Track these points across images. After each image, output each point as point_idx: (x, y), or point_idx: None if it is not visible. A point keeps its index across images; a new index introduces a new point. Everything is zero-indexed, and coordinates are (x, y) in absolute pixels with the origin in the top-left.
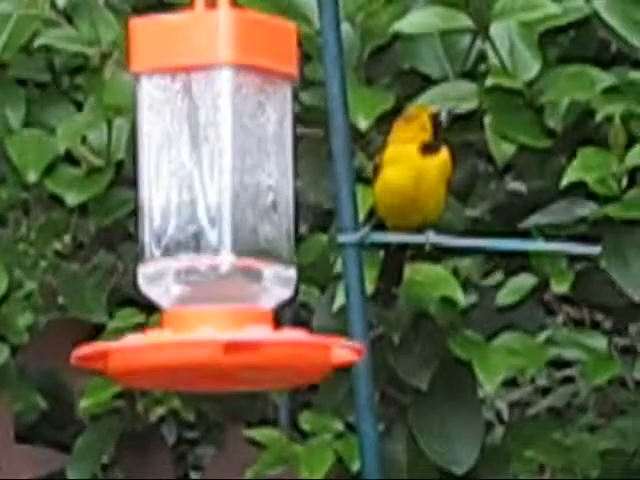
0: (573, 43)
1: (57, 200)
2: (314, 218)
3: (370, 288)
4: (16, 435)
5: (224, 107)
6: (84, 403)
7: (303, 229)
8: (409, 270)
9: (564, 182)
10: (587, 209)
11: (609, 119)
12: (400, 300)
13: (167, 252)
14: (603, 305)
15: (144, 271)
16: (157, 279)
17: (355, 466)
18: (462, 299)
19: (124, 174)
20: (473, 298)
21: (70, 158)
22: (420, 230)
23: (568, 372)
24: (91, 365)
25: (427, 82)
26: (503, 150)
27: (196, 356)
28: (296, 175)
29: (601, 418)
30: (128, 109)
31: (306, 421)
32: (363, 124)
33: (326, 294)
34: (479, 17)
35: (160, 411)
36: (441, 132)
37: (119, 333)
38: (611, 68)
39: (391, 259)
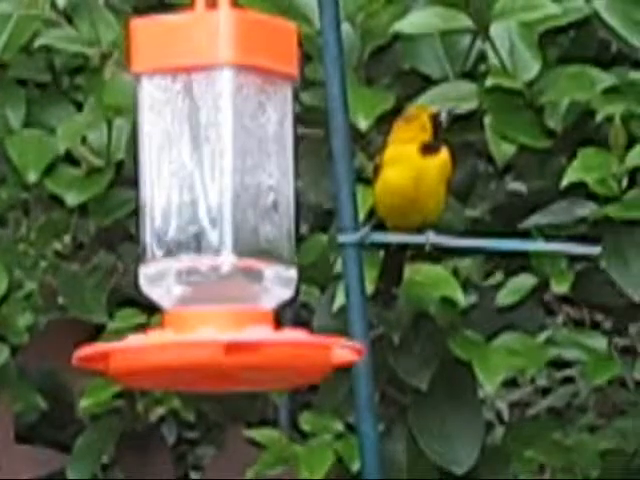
0: (573, 43)
1: (57, 200)
2: (314, 218)
3: (370, 288)
4: (16, 435)
5: (225, 107)
6: (84, 403)
7: (303, 229)
8: (409, 270)
9: (564, 182)
10: (587, 209)
11: (609, 119)
12: (400, 300)
13: (168, 252)
14: (603, 305)
15: (145, 271)
16: (158, 279)
17: (355, 466)
18: (462, 299)
19: (124, 174)
20: (473, 298)
21: (70, 158)
22: (420, 230)
23: (568, 372)
24: (92, 366)
25: (427, 82)
26: (503, 150)
27: (197, 356)
28: (296, 175)
29: (601, 418)
30: (128, 109)
31: (306, 421)
32: (363, 124)
33: (326, 294)
34: (479, 17)
35: (160, 411)
36: (441, 132)
37: (119, 333)
38: (611, 68)
39: (391, 259)
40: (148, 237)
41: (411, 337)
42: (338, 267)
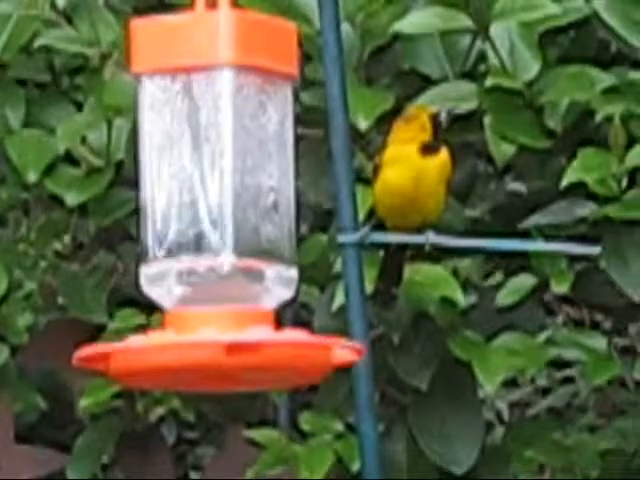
0: (573, 43)
1: (57, 200)
2: (314, 218)
3: (370, 288)
4: (16, 435)
5: (225, 108)
6: (84, 403)
7: (303, 229)
8: (409, 270)
9: (564, 182)
10: (587, 209)
11: (609, 119)
12: (400, 300)
13: (169, 253)
14: (603, 305)
15: (146, 272)
16: (159, 280)
17: (355, 466)
18: (462, 299)
19: (124, 174)
20: (473, 298)
21: (70, 158)
22: (420, 230)
23: (568, 372)
24: (93, 366)
25: (427, 82)
26: (503, 150)
27: (198, 357)
28: (296, 175)
29: (601, 418)
30: (128, 109)
31: (306, 421)
32: (363, 124)
33: (326, 294)
34: (479, 17)
35: (160, 411)
36: (441, 132)
37: (119, 333)
38: (611, 68)
39: (391, 259)
40: (149, 237)
41: (411, 337)
42: (338, 267)
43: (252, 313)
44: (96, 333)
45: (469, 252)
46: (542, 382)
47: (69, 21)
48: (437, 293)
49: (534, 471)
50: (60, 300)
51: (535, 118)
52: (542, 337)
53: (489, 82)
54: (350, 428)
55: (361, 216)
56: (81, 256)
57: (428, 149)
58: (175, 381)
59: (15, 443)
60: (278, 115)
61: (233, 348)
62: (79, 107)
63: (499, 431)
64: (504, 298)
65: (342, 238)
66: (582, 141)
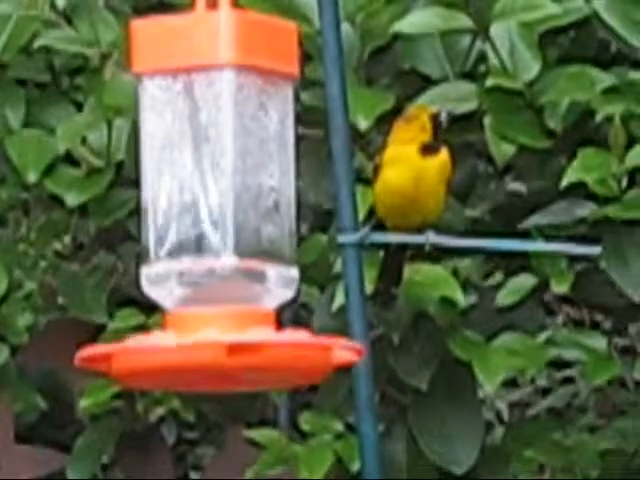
0: (573, 43)
1: (57, 200)
2: (314, 218)
3: (370, 288)
4: (16, 435)
5: (226, 108)
6: (84, 403)
7: (303, 229)
8: (409, 270)
9: (564, 182)
10: (587, 209)
11: (609, 119)
12: (400, 300)
13: (170, 254)
14: (603, 305)
15: (147, 273)
16: (160, 281)
17: (355, 466)
18: (462, 299)
19: (124, 175)
20: (473, 298)
21: (70, 159)
22: (420, 230)
23: (568, 372)
24: (94, 366)
25: (427, 82)
26: (503, 150)
27: (200, 358)
28: (297, 175)
29: (601, 418)
30: (128, 110)
31: (306, 421)
32: (363, 124)
33: (326, 294)
34: (479, 17)
35: (160, 411)
36: (441, 132)
37: (119, 333)
38: (611, 68)
39: (391, 259)
40: (150, 238)
41: (411, 337)
42: (338, 267)
43: (253, 314)
44: (96, 333)
45: (469, 252)
46: (542, 382)
47: (69, 21)
48: (437, 293)
49: (534, 471)
50: (60, 300)
51: (535, 118)
52: (542, 337)
53: (489, 82)
54: (350, 428)
55: (361, 216)
56: (81, 256)
57: (428, 149)
58: (176, 381)
59: (15, 443)
60: (279, 115)
61: (234, 349)
62: (79, 107)
63: (499, 431)
64: (504, 298)
65: (342, 238)
66: (582, 141)
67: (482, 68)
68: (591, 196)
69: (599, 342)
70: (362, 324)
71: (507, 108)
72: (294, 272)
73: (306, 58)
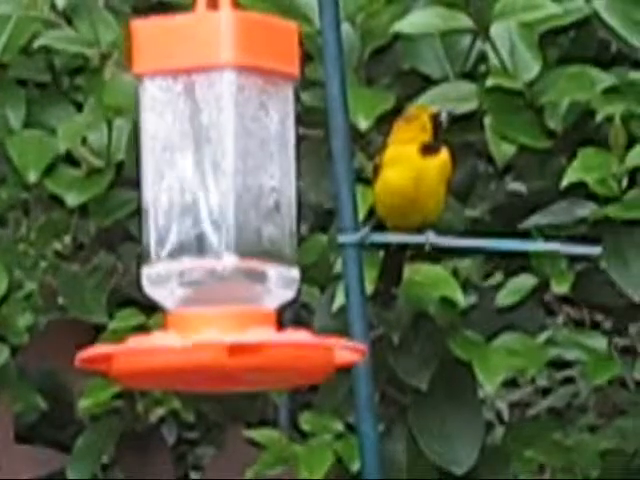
0: (573, 43)
1: (57, 201)
2: (314, 218)
3: (370, 288)
4: (16, 435)
5: (226, 108)
6: (84, 403)
7: (303, 229)
8: (409, 270)
9: (564, 182)
10: (587, 210)
11: (609, 119)
12: (400, 300)
13: (171, 254)
14: (603, 305)
15: (148, 273)
16: (161, 281)
17: (355, 466)
18: (462, 300)
19: (124, 175)
20: (473, 299)
21: (70, 159)
22: (420, 230)
23: (568, 372)
24: (95, 367)
25: (427, 82)
26: (503, 151)
27: (201, 358)
28: (297, 175)
29: (601, 418)
30: (128, 110)
31: (306, 421)
32: (363, 124)
33: (326, 294)
34: (479, 17)
35: (160, 411)
36: (441, 133)
37: (119, 334)
38: (611, 68)
39: (391, 259)
40: (150, 239)
41: (411, 337)
42: (338, 267)
43: (254, 314)
44: (96, 333)
45: (469, 252)
46: (542, 382)
47: (69, 22)
48: (437, 293)
49: (534, 471)
50: (60, 300)
51: (535, 118)
52: (542, 337)
53: (489, 82)
54: (350, 428)
55: (361, 216)
56: (81, 256)
57: (428, 149)
58: (177, 381)
59: (15, 443)
60: (279, 115)
61: (235, 349)
62: (79, 107)
63: (499, 431)
64: (504, 298)
65: (342, 238)
66: (582, 141)
67: (482, 68)
68: (591, 196)
69: (599, 342)
70: (362, 324)
71: (507, 108)
72: (295, 272)
73: (306, 58)
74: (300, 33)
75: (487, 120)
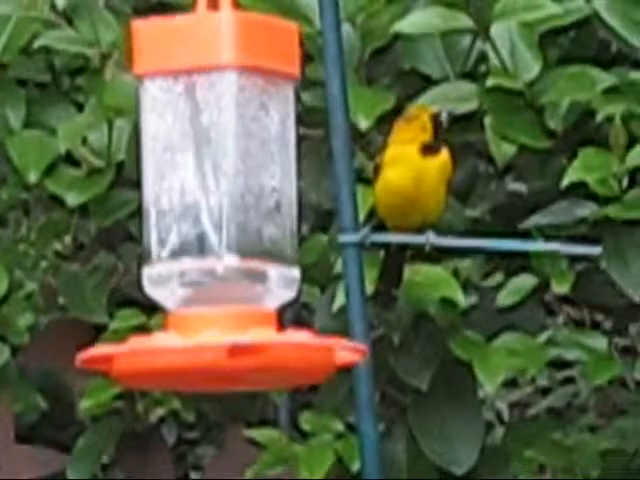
0: (573, 43)
1: (57, 201)
2: (315, 218)
3: (370, 288)
4: (16, 435)
5: (227, 109)
6: (84, 404)
7: (304, 229)
8: (409, 271)
9: (564, 182)
10: (587, 210)
11: (609, 119)
12: (400, 301)
13: (171, 255)
14: (603, 305)
15: (149, 273)
16: (162, 281)
17: (355, 466)
18: (462, 300)
19: (124, 175)
20: (473, 299)
21: (71, 159)
22: (420, 230)
23: (568, 372)
24: (96, 367)
25: (427, 82)
26: (503, 151)
27: (201, 359)
28: (298, 175)
29: (601, 418)
30: (129, 110)
31: (306, 421)
32: (363, 124)
33: (326, 294)
34: (480, 17)
35: (160, 412)
36: (441, 132)
37: (119, 334)
38: (611, 68)
39: (391, 259)
40: (151, 239)
41: (411, 337)
42: (338, 267)
43: (255, 314)
44: (97, 333)
45: (469, 252)
46: (542, 382)
47: (69, 22)
48: (437, 294)
49: (534, 471)
50: (61, 300)
51: (536, 118)
52: (542, 337)
53: (490, 82)
54: (350, 428)
55: (362, 216)
56: (82, 256)
57: (429, 149)
58: (177, 382)
59: (15, 443)
60: (280, 115)
61: (236, 350)
62: (80, 108)
63: (499, 431)
64: (504, 298)
65: (343, 238)
66: (583, 141)
67: (483, 68)
68: (591, 196)
69: (599, 342)
70: (363, 324)
71: (507, 108)
72: (295, 272)
73: (307, 58)
74: (300, 33)
75: (487, 120)
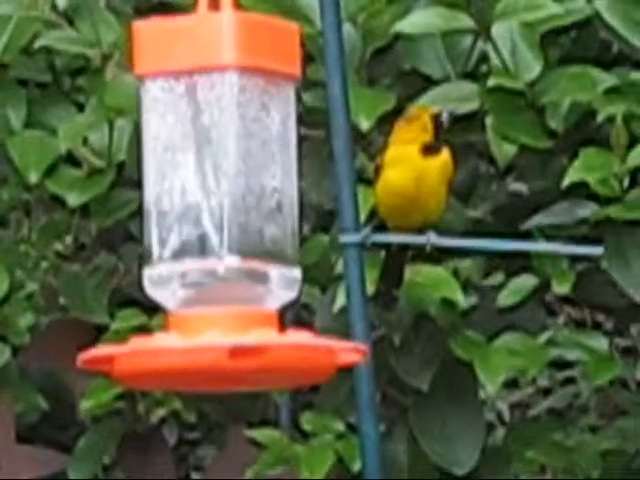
0: (574, 44)
1: (58, 201)
2: (316, 219)
3: (371, 289)
4: (17, 435)
5: (228, 109)
6: (85, 404)
7: (305, 230)
8: (410, 271)
9: (565, 183)
10: (588, 210)
11: (611, 120)
12: (401, 301)
13: (173, 255)
14: (604, 306)
15: (150, 274)
16: (163, 282)
17: (356, 466)
18: (462, 300)
19: (125, 175)
20: (474, 299)
21: (71, 159)
22: (421, 231)
23: (569, 373)
24: (97, 368)
25: (428, 83)
26: (504, 151)
27: (203, 360)
28: (299, 176)
29: (602, 419)
30: (129, 110)
31: (307, 421)
32: (364, 125)
33: (327, 295)
34: (481, 18)
35: (161, 412)
36: (442, 133)
37: (120, 334)
38: (612, 69)
39: (392, 260)
40: (152, 240)
41: (412, 338)
42: (339, 268)
43: (256, 315)
44: (97, 334)
45: (470, 253)
46: (543, 383)
47: (70, 22)
48: (438, 294)
49: (535, 472)
50: (61, 301)
51: (537, 118)
52: (543, 337)
53: (491, 82)
54: (351, 428)
55: (362, 217)
56: (82, 257)
57: (429, 149)
58: (179, 382)
59: (16, 443)
60: (281, 116)
61: (237, 351)
62: (80, 108)
63: (500, 432)
64: (505, 298)
65: (344, 239)
66: (584, 141)
67: (484, 68)
68: (593, 196)
69: (600, 342)
70: (363, 325)
71: (509, 108)
72: (296, 273)
73: (308, 59)
74: (301, 34)
75: (488, 120)
